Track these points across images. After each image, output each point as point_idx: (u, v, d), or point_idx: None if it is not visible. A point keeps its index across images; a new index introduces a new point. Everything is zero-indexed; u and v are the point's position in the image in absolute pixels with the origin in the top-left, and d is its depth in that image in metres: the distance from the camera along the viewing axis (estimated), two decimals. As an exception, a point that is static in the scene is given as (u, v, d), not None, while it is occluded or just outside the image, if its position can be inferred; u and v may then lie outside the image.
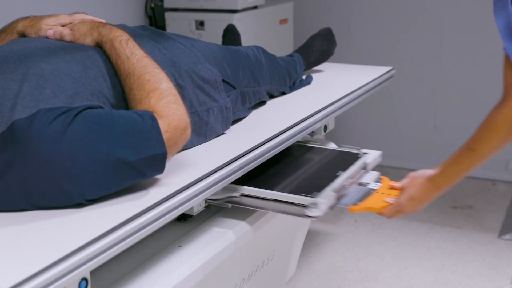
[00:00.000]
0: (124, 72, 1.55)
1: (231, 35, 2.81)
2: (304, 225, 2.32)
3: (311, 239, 3.34)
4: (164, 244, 1.61)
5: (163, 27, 3.61)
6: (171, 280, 1.47)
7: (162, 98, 1.50)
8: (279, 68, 2.34)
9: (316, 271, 3.03)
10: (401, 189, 1.75)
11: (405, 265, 3.07)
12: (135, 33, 1.78)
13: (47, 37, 1.67)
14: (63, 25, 1.69)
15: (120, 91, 1.56)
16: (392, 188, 1.83)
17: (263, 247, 2.00)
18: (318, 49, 2.68)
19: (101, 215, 1.35)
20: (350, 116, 4.34)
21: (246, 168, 1.69)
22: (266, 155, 1.79)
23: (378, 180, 1.95)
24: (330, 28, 2.73)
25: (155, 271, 1.49)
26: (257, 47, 2.28)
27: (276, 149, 1.84)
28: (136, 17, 3.63)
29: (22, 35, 1.71)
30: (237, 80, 2.02)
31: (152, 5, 3.65)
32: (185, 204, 1.46)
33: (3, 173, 1.34)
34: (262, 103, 2.26)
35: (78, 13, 1.73)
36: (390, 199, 1.76)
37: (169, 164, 1.64)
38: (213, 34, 2.84)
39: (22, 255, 1.18)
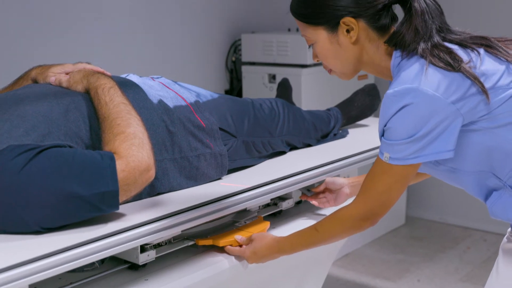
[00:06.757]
0: (101, 116, 1.72)
1: (282, 88, 2.91)
2: (314, 277, 2.35)
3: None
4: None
5: (240, 80, 3.79)
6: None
7: (126, 141, 1.64)
8: (303, 120, 2.42)
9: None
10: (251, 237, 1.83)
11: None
12: (145, 85, 1.97)
13: (50, 83, 1.88)
14: (67, 73, 1.90)
15: (99, 133, 1.73)
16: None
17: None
18: (359, 104, 2.72)
19: (41, 243, 1.49)
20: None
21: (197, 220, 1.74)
22: (233, 207, 1.84)
23: (253, 218, 2.01)
24: (375, 84, 2.78)
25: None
26: (277, 100, 2.38)
27: (252, 200, 1.90)
28: (217, 70, 3.85)
29: (35, 81, 1.94)
30: (240, 129, 2.13)
31: (233, 58, 3.85)
32: (119, 246, 1.55)
33: None
34: (283, 152, 2.35)
35: (81, 62, 1.93)
36: (238, 237, 1.84)
37: (147, 202, 1.79)
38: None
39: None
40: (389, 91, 1.46)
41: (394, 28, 1.58)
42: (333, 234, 1.68)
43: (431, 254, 3.79)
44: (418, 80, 1.43)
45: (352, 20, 1.55)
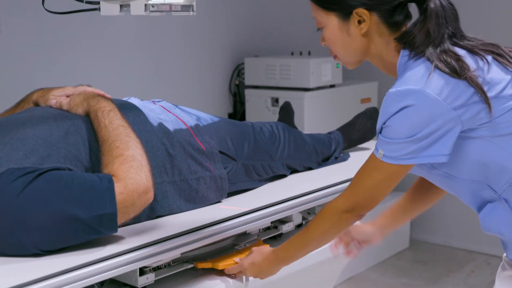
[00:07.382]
0: (101, 139, 1.73)
1: (284, 111, 2.91)
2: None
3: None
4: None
5: (243, 103, 3.81)
6: None
7: (124, 164, 1.65)
8: (304, 144, 2.42)
9: None
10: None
11: None
12: (145, 108, 1.98)
13: (51, 106, 1.90)
14: (68, 96, 1.91)
15: (99, 156, 1.74)
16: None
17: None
18: (360, 127, 2.73)
19: (40, 265, 1.50)
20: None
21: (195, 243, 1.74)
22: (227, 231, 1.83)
23: (253, 241, 1.99)
24: (376, 107, 2.78)
25: None
26: (277, 123, 2.39)
27: (252, 223, 1.90)
28: (221, 93, 3.87)
29: (36, 104, 1.95)
30: (240, 153, 2.14)
31: (237, 82, 3.88)
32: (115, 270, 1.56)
33: None
34: (283, 176, 2.35)
35: (82, 85, 1.95)
36: (238, 259, 1.82)
37: (146, 225, 1.78)
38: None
39: None
40: (392, 90, 1.45)
41: (406, 26, 1.56)
42: (322, 230, 1.65)
43: (436, 277, 3.78)
44: (422, 82, 1.42)
45: (366, 12, 1.53)
